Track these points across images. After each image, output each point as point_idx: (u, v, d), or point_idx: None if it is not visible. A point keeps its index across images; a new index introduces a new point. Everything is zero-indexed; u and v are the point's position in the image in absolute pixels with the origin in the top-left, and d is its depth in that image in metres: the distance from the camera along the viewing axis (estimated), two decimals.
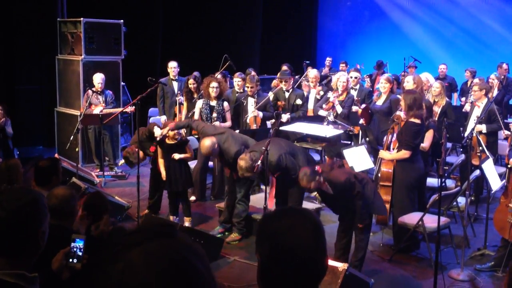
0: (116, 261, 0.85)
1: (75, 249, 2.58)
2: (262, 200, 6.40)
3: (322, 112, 7.87)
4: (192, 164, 7.38)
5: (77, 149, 8.80)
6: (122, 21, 9.72)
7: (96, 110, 8.66)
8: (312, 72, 8.96)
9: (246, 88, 8.15)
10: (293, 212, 1.63)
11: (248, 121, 7.85)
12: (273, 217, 1.62)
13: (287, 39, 14.87)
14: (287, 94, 8.18)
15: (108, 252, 0.88)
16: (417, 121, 5.94)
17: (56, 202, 3.49)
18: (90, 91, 8.85)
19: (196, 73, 8.91)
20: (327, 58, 12.94)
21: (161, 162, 6.69)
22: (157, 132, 6.59)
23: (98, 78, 8.84)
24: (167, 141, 6.61)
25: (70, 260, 2.55)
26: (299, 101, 8.11)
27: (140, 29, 11.33)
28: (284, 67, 9.80)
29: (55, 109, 10.12)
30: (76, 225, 3.64)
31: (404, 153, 5.95)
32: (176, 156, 6.49)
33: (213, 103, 7.53)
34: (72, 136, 8.52)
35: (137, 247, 0.86)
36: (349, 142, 7.74)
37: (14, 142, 8.40)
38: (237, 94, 8.22)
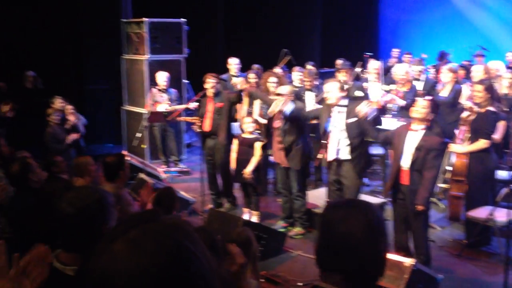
0: (103, 253, 0.87)
1: None
2: (323, 195, 6.39)
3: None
4: None
5: (143, 146, 9.06)
6: (184, 20, 9.91)
7: (161, 107, 8.89)
8: (373, 64, 8.79)
9: (304, 83, 8.13)
10: (350, 204, 1.66)
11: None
12: (331, 207, 1.66)
13: (348, 31, 14.67)
14: (346, 87, 8.08)
15: (97, 246, 0.91)
16: (494, 109, 5.75)
17: None
18: (154, 90, 9.09)
19: (256, 66, 8.97)
20: (394, 49, 12.61)
21: (233, 155, 6.79)
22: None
23: (163, 77, 9.07)
24: (243, 134, 6.73)
25: None
26: (359, 93, 7.99)
27: (202, 27, 11.51)
28: (339, 61, 9.68)
29: (122, 107, 10.47)
30: None
31: (484, 143, 5.75)
32: (248, 170, 6.59)
33: (272, 97, 7.53)
34: (139, 134, 8.80)
35: (120, 236, 0.88)
36: None
37: (84, 140, 8.77)
38: (296, 89, 8.20)
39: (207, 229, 3.03)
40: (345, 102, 5.87)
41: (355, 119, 5.71)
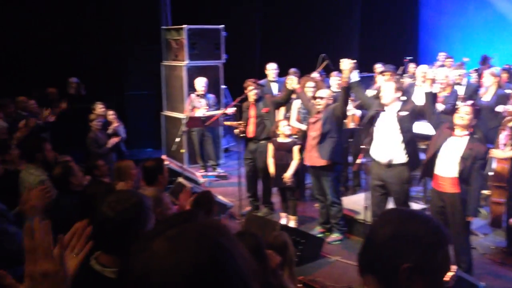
0: (141, 251, 0.91)
1: None
2: (361, 200, 6.33)
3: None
4: None
5: (182, 151, 9.18)
6: (222, 26, 10.01)
7: (199, 113, 8.99)
8: (420, 68, 8.66)
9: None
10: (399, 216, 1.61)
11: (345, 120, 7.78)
12: (376, 226, 1.60)
13: (386, 35, 14.50)
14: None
15: (136, 244, 0.95)
16: None
17: None
18: (193, 95, 9.20)
19: (293, 70, 8.97)
20: (440, 53, 12.36)
21: (270, 160, 6.81)
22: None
23: (202, 82, 9.17)
24: (279, 139, 6.75)
25: None
26: (402, 97, 7.88)
27: (239, 32, 11.59)
28: (378, 66, 9.58)
29: (161, 113, 10.64)
30: None
31: None
32: (288, 174, 6.60)
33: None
34: (178, 139, 8.92)
35: (159, 235, 0.91)
36: None
37: (125, 145, 8.95)
38: (334, 94, 8.16)
39: (253, 233, 3.04)
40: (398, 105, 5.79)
41: (406, 112, 5.64)
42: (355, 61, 6.16)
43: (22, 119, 7.21)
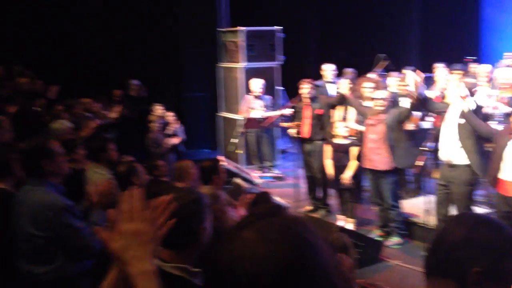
0: (232, 239, 0.97)
1: None
2: (421, 204, 6.18)
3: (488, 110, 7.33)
4: None
5: (238, 151, 9.24)
6: (279, 27, 10.02)
7: (255, 114, 9.03)
8: (482, 68, 8.36)
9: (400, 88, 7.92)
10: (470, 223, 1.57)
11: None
12: (448, 228, 1.57)
13: (448, 34, 14.08)
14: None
15: (225, 234, 1.02)
16: None
17: None
18: (249, 96, 9.26)
19: (349, 70, 8.86)
20: (506, 53, 11.86)
21: (328, 161, 6.77)
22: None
23: (258, 84, 9.22)
24: (336, 140, 6.71)
25: None
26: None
27: (296, 33, 11.58)
28: (438, 65, 9.30)
29: (218, 114, 10.76)
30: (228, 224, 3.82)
31: None
32: (347, 175, 6.54)
33: (368, 103, 7.40)
34: (234, 140, 8.99)
35: (249, 226, 0.98)
36: None
37: (183, 146, 9.11)
38: (392, 94, 8.00)
39: (343, 238, 3.06)
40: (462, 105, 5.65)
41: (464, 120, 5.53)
42: (423, 75, 6.04)
43: (86, 120, 7.46)
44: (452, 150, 5.63)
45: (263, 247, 0.93)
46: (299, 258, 0.93)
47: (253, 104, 9.21)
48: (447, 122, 5.69)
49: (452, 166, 5.65)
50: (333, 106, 7.29)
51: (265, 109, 9.17)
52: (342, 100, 7.21)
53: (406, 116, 6.24)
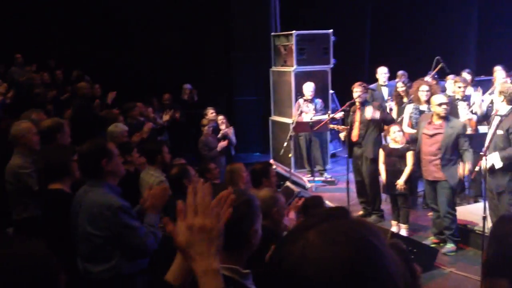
0: (296, 241, 0.96)
1: None
2: (479, 210, 5.98)
3: None
4: None
5: (290, 155, 9.22)
6: (331, 31, 9.95)
7: (306, 117, 8.99)
8: None
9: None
10: None
11: None
12: (508, 219, 1.57)
13: (507, 36, 13.60)
14: None
15: (289, 235, 1.01)
16: None
17: None
18: (301, 100, 9.23)
19: (400, 72, 8.70)
20: None
21: (381, 166, 6.68)
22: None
23: (309, 87, 9.18)
24: (391, 144, 6.61)
25: None
26: None
27: (348, 36, 11.46)
28: (498, 68, 8.99)
29: (269, 118, 10.78)
30: (283, 227, 3.80)
31: None
32: (402, 180, 6.43)
33: (424, 107, 7.24)
34: (285, 143, 8.98)
35: (313, 228, 0.96)
36: None
37: (234, 149, 9.18)
38: (449, 97, 7.79)
39: (399, 243, 3.02)
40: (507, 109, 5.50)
41: (501, 132, 5.47)
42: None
43: (139, 124, 7.64)
44: (491, 154, 5.59)
45: (327, 250, 0.92)
46: (364, 261, 0.91)
47: (304, 107, 9.17)
48: (492, 128, 5.61)
49: (491, 171, 5.63)
50: (385, 122, 7.16)
51: (315, 112, 9.12)
52: (392, 121, 7.11)
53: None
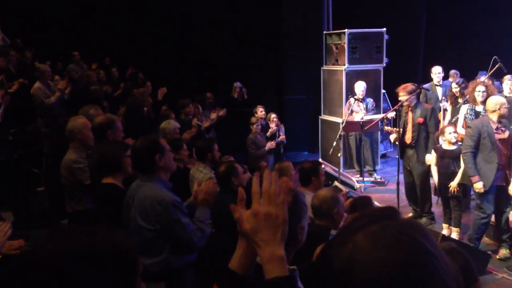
0: (345, 243, 0.94)
1: None
2: None
3: None
4: None
5: (339, 155, 9.16)
6: (384, 29, 9.80)
7: (357, 117, 8.90)
8: None
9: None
10: None
11: None
12: None
13: None
14: None
15: (337, 237, 0.98)
16: None
17: (317, 202, 3.72)
18: (352, 99, 9.14)
19: (453, 71, 8.48)
20: None
21: (434, 168, 6.56)
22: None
23: (361, 86, 9.08)
24: (444, 146, 6.49)
25: None
26: None
27: (402, 35, 11.25)
28: None
29: (319, 117, 10.72)
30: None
31: None
32: (455, 183, 6.30)
33: (479, 108, 7.03)
34: (334, 143, 8.92)
35: (362, 230, 0.94)
36: None
37: (283, 148, 9.19)
38: (506, 98, 7.53)
39: (463, 251, 2.96)
40: None
41: None
42: None
43: (187, 122, 7.76)
44: None
45: (376, 252, 0.90)
46: (414, 264, 0.89)
47: (355, 107, 9.07)
48: None
49: None
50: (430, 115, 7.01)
51: (366, 112, 9.01)
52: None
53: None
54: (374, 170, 9.45)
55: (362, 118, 8.75)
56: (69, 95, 9.03)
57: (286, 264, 1.42)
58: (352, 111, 9.04)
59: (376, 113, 9.16)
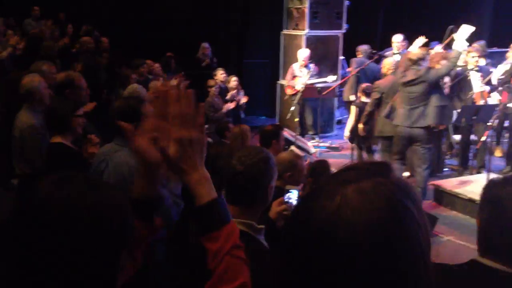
0: (333, 196, 0.87)
1: (290, 200, 2.76)
2: (482, 181, 6.00)
3: None
4: None
5: (296, 120, 9.23)
6: None
7: (299, 82, 8.99)
8: None
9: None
10: None
11: (474, 96, 7.37)
12: (497, 183, 1.60)
13: None
14: None
15: (325, 187, 0.91)
16: None
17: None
18: (295, 65, 9.22)
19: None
20: None
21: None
22: None
23: (304, 53, 9.20)
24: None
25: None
26: None
27: (362, 1, 11.29)
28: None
29: (277, 82, 10.73)
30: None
31: None
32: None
33: None
34: (292, 107, 8.97)
35: (353, 184, 0.88)
36: None
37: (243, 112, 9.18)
38: (458, 69, 7.73)
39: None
40: None
41: None
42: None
43: (147, 81, 7.63)
44: None
45: (363, 208, 0.85)
46: (400, 234, 0.85)
47: (298, 72, 9.15)
48: None
49: None
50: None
51: (309, 77, 9.10)
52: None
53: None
54: (316, 134, 9.49)
55: (304, 83, 8.83)
56: (21, 51, 8.71)
57: (212, 184, 1.39)
58: (294, 77, 9.13)
59: (318, 78, 9.24)
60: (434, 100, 6.29)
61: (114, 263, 1.18)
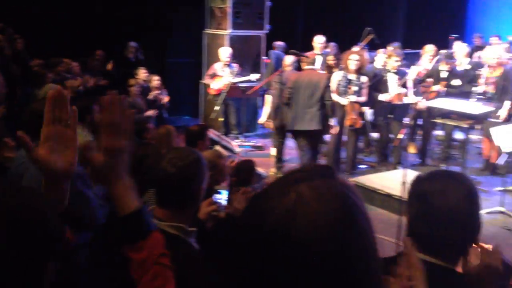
0: (287, 193, 0.90)
1: (219, 200, 2.75)
2: (399, 177, 6.27)
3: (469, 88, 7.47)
4: None
5: (220, 119, 9.23)
6: None
7: (221, 82, 9.04)
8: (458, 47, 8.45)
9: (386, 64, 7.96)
10: (446, 175, 1.66)
11: (391, 98, 7.70)
12: (425, 178, 1.65)
13: (434, 11, 14.09)
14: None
15: (276, 187, 0.94)
16: None
17: None
18: (217, 64, 9.23)
19: (331, 44, 8.89)
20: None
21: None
22: None
23: (226, 52, 9.22)
24: None
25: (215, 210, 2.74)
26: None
27: (283, 3, 11.46)
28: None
29: (200, 81, 10.67)
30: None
31: None
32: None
33: (351, 76, 7.44)
34: (216, 107, 8.96)
35: (306, 182, 0.92)
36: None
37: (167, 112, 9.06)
38: (376, 70, 8.04)
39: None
40: None
41: None
42: None
43: (64, 80, 7.35)
44: None
45: (317, 204, 0.89)
46: (350, 222, 0.90)
47: (220, 71, 9.17)
48: None
49: None
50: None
51: (233, 76, 9.14)
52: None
53: None
54: (240, 133, 9.67)
55: (227, 82, 8.91)
56: None
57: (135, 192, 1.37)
58: (214, 75, 9.14)
59: (241, 77, 9.31)
60: None
61: (40, 275, 1.09)
